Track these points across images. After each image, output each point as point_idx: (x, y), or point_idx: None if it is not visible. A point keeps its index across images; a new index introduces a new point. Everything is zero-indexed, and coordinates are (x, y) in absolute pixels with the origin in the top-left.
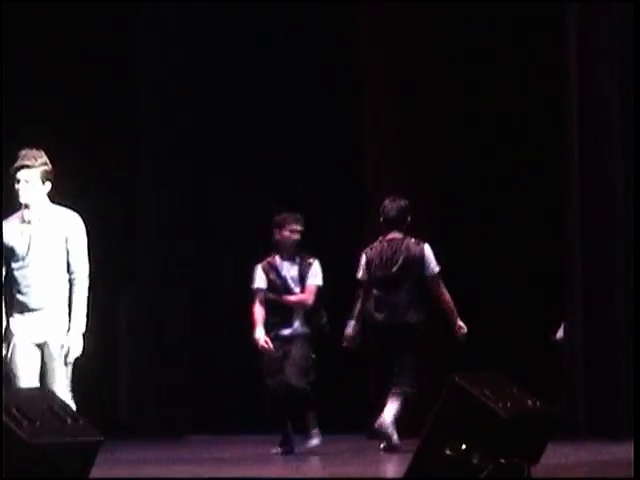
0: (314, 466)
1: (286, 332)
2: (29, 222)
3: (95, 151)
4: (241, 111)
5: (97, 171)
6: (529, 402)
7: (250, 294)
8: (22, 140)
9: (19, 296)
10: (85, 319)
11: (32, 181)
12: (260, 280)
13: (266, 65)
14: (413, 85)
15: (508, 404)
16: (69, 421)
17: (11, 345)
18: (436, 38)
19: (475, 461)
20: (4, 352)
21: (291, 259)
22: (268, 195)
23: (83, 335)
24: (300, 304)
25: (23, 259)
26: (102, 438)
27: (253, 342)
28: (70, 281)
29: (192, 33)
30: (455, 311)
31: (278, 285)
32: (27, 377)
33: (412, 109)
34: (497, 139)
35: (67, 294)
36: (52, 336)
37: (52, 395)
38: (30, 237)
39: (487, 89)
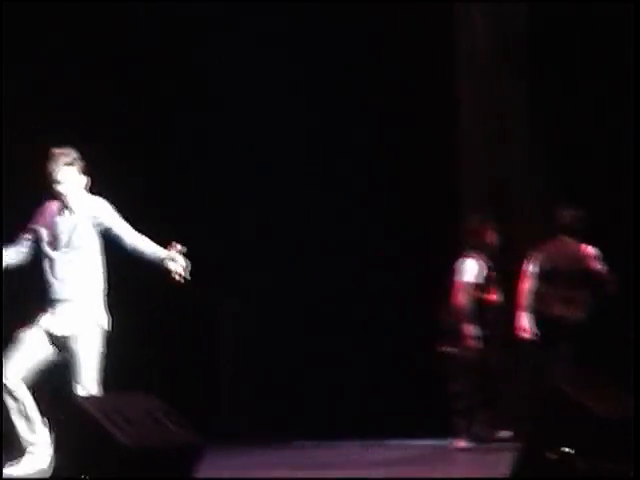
0: (422, 470)
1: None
2: (63, 214)
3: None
4: (333, 115)
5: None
6: (630, 402)
7: (458, 286)
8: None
9: (47, 287)
10: None
11: (69, 179)
12: (471, 274)
13: (355, 68)
14: (505, 89)
15: (609, 405)
16: (171, 425)
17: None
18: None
19: (578, 464)
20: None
21: (482, 261)
22: (366, 202)
23: None
24: (495, 304)
25: (55, 250)
26: (204, 443)
27: (464, 337)
28: (132, 247)
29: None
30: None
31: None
32: (22, 358)
33: (505, 115)
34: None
35: (98, 286)
36: (79, 329)
37: (153, 399)
38: (63, 229)
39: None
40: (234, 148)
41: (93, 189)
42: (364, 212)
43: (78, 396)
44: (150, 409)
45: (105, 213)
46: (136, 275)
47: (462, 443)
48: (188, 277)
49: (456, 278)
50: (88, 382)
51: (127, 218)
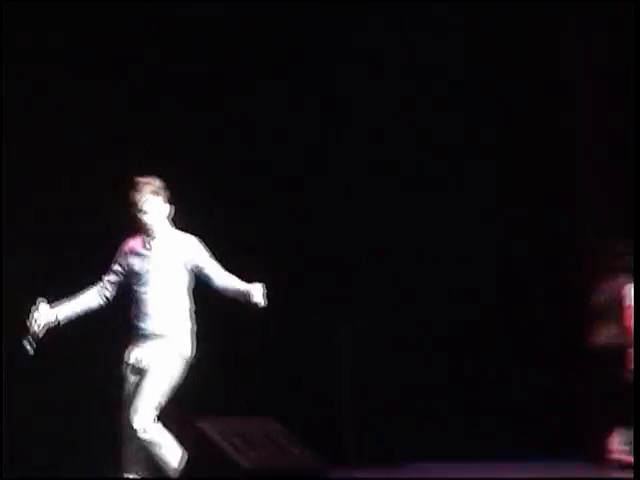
0: None
1: None
2: (150, 248)
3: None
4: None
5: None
6: None
7: (631, 311)
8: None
9: (134, 322)
10: None
11: (154, 209)
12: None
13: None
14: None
15: None
16: (292, 449)
17: (123, 372)
18: None
19: None
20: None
21: None
22: (496, 227)
23: None
24: None
25: (142, 284)
26: (327, 466)
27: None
28: (220, 286)
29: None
30: None
31: None
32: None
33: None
34: None
35: (184, 320)
36: (157, 359)
37: (273, 423)
38: (149, 262)
39: None
40: (353, 162)
41: (177, 218)
42: (495, 238)
43: (198, 420)
44: (271, 432)
45: (195, 253)
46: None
47: (609, 459)
48: (264, 304)
49: (627, 302)
50: (146, 409)
51: (229, 243)
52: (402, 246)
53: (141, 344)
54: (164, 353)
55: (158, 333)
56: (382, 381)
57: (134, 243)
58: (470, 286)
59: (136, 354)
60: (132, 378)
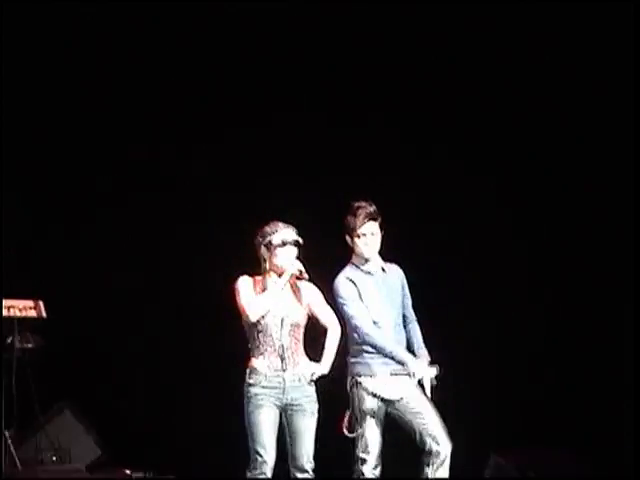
0: None
1: None
2: (370, 273)
3: None
4: None
5: None
6: None
7: None
8: None
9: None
10: None
11: (377, 233)
12: None
13: None
14: None
15: None
16: None
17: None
18: None
19: None
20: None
21: None
22: None
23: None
24: None
25: (377, 306)
26: None
27: None
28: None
29: None
30: None
31: None
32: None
33: None
34: None
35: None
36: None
37: (570, 455)
38: (381, 284)
39: None
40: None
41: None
42: None
43: (494, 452)
44: (565, 465)
45: (405, 285)
46: None
47: None
48: None
49: None
50: (443, 435)
51: None
52: None
53: (384, 375)
54: (412, 384)
55: (401, 360)
56: None
57: (352, 269)
58: None
59: (394, 386)
60: (393, 412)
